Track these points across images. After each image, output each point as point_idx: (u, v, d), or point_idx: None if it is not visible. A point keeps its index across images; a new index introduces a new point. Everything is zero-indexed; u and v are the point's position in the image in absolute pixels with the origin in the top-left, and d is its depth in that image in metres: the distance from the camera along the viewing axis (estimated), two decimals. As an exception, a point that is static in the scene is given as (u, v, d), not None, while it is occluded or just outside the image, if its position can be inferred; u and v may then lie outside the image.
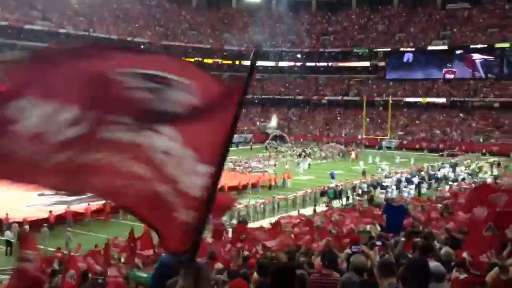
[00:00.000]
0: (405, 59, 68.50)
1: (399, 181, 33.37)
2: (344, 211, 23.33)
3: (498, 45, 61.78)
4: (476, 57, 63.26)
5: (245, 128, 65.40)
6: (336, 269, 6.38)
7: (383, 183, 32.65)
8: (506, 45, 61.23)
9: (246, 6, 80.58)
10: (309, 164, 42.99)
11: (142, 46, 68.39)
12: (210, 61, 73.33)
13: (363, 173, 37.43)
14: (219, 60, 74.06)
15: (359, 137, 59.65)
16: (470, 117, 60.69)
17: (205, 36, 74.42)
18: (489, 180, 33.19)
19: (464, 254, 6.91)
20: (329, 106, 71.94)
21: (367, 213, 20.57)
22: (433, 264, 4.30)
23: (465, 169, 39.56)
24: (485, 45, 62.78)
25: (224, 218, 23.60)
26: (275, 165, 42.65)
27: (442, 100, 63.65)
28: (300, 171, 39.59)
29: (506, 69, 61.56)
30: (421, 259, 4.17)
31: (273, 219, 23.30)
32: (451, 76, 65.36)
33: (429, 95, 64.84)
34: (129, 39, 66.61)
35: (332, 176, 35.66)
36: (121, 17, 69.10)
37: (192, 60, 71.33)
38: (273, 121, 60.16)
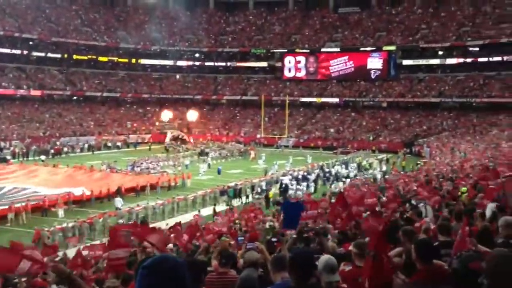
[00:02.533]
0: (301, 60, 70.52)
1: (296, 179, 34.37)
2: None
3: (385, 47, 65.61)
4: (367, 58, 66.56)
5: (143, 128, 64.11)
6: (235, 267, 6.43)
7: (282, 181, 33.44)
8: (393, 48, 65.21)
9: (142, 3, 78.92)
10: (209, 164, 43.05)
11: (30, 43, 64.81)
12: (105, 59, 70.88)
13: (265, 171, 38.20)
14: (115, 59, 71.72)
15: (258, 136, 60.59)
16: (361, 116, 63.87)
17: (100, 34, 71.78)
18: (378, 176, 35.26)
19: (350, 247, 7.26)
20: (228, 106, 72.46)
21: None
22: (325, 257, 4.43)
23: (357, 166, 41.57)
24: (374, 48, 66.43)
25: (122, 221, 23.14)
26: (174, 165, 42.23)
27: (336, 100, 66.41)
28: (201, 170, 39.51)
29: (393, 70, 65.49)
30: (305, 251, 4.31)
31: (173, 220, 23.10)
32: (344, 77, 68.28)
33: (323, 95, 67.39)
34: (16, 35, 62.67)
35: (219, 172, 38.21)
36: (7, 11, 64.70)
37: (86, 58, 68.89)
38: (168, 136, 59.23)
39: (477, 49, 60.51)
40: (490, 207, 8.06)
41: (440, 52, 63.59)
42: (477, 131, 51.12)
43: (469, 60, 60.77)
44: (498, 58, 58.19)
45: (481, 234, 5.34)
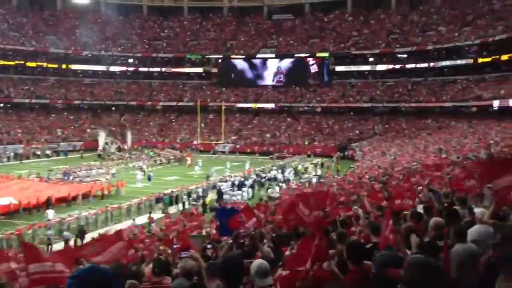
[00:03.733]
0: (237, 66, 70.84)
1: (233, 185, 34.41)
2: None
3: (319, 54, 67.07)
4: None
5: (74, 135, 62.14)
6: (170, 275, 6.35)
7: (220, 187, 33.38)
8: (325, 54, 66.77)
9: (73, 7, 76.58)
10: (145, 171, 42.28)
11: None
12: (33, 64, 68.22)
13: (207, 177, 38.07)
14: (44, 64, 69.18)
15: (195, 142, 60.20)
16: (296, 121, 64.89)
17: (28, 38, 69.02)
18: (314, 180, 35.92)
19: (287, 252, 7.34)
20: (164, 112, 71.59)
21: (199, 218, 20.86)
22: (258, 261, 4.44)
23: (293, 170, 42.14)
24: (308, 54, 67.74)
25: (51, 232, 22.29)
26: (107, 173, 41.18)
27: (271, 105, 67.14)
28: (138, 178, 38.75)
29: (326, 76, 67.03)
30: (235, 257, 4.31)
31: (106, 230, 22.49)
32: (280, 83, 69.17)
33: (259, 101, 67.96)
34: None
35: (149, 179, 38.00)
36: None
37: (13, 63, 66.05)
38: (101, 141, 57.77)
39: (405, 56, 63.06)
40: (418, 209, 8.37)
41: (371, 59, 65.80)
42: (406, 135, 53.14)
43: (397, 66, 63.22)
44: (425, 65, 60.85)
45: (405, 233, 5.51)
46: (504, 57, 51.58)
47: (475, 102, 52.19)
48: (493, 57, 53.34)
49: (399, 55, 63.63)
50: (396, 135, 53.90)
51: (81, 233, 22.79)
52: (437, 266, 2.88)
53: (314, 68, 67.03)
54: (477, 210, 6.27)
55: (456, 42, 57.61)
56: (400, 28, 66.24)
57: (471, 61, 56.35)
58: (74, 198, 31.00)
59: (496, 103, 47.29)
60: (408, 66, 62.32)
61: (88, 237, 21.46)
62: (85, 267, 2.25)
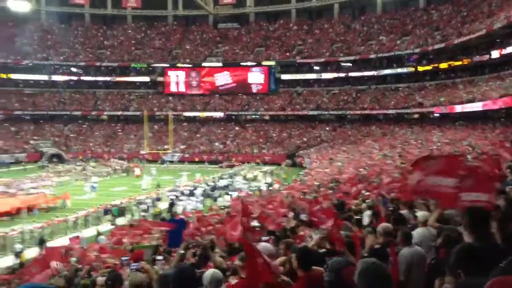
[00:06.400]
0: (182, 75, 70.46)
1: (182, 194, 34.12)
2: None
3: (264, 62, 67.68)
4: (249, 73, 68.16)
5: (16, 147, 59.95)
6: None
7: (168, 197, 33.01)
8: (271, 63, 67.45)
9: (11, 15, 73.85)
10: (95, 182, 40.98)
11: None
12: (-30, 74, 65.49)
13: (158, 186, 37.56)
14: (-18, 73, 66.54)
15: (142, 152, 59.33)
16: (245, 129, 65.12)
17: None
18: (263, 188, 36.09)
19: (236, 262, 7.36)
20: (109, 122, 70.21)
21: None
22: (210, 271, 4.46)
23: (242, 179, 42.20)
24: (254, 63, 68.23)
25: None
26: (52, 185, 39.92)
27: (220, 114, 67.12)
28: (87, 189, 37.78)
29: (273, 85, 67.68)
30: (188, 267, 4.33)
31: (52, 243, 21.90)
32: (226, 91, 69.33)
33: (206, 109, 67.80)
34: None
35: (93, 189, 37.60)
36: None
37: None
38: (44, 152, 56.30)
39: (349, 64, 64.57)
40: (366, 214, 8.59)
41: (316, 67, 67.01)
42: (352, 141, 54.32)
43: (342, 74, 64.67)
44: (368, 73, 62.52)
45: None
46: (443, 65, 53.70)
47: (417, 109, 54.01)
48: (432, 65, 55.43)
49: (343, 64, 65.10)
50: (342, 142, 55.00)
51: (41, 242, 22.29)
52: (386, 269, 2.99)
53: (259, 77, 67.56)
54: (419, 213, 6.50)
55: (396, 51, 59.54)
56: (343, 37, 67.78)
57: (411, 69, 58.33)
58: (18, 211, 29.91)
59: (437, 110, 49.16)
60: (352, 74, 63.84)
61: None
62: (24, 285, 2.22)
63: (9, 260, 20.61)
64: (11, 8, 69.62)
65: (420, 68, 57.41)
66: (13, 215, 29.48)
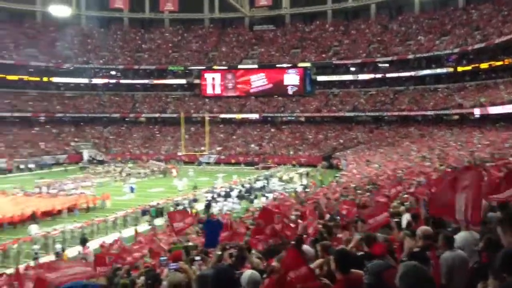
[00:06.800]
0: (218, 78, 70.96)
1: (218, 195, 34.35)
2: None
3: (300, 64, 67.51)
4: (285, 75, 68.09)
5: (58, 148, 61.59)
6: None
7: (206, 198, 33.28)
8: (307, 64, 67.21)
9: (53, 20, 76.00)
10: (133, 183, 41.61)
11: None
12: (15, 77, 67.43)
13: (195, 187, 37.93)
14: (25, 77, 68.55)
15: (179, 154, 60.01)
16: (280, 131, 65.08)
17: (8, 51, 68.36)
18: (299, 189, 35.95)
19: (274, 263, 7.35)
20: (147, 124, 71.35)
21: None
22: (248, 272, 4.47)
23: (278, 180, 42.17)
24: (290, 64, 68.13)
25: (37, 246, 22.09)
26: (92, 186, 40.83)
27: (255, 116, 67.30)
28: (126, 190, 38.53)
29: (309, 86, 67.42)
30: (226, 268, 4.35)
31: (93, 243, 22.43)
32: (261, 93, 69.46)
33: (242, 111, 68.09)
34: None
35: (132, 190, 37.85)
36: None
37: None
38: (84, 154, 57.72)
39: (386, 65, 63.76)
40: (405, 217, 8.46)
41: (352, 68, 66.44)
42: (389, 143, 53.57)
43: (379, 75, 63.89)
44: (406, 74, 61.59)
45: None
46: (483, 65, 52.47)
47: (456, 110, 52.91)
48: (472, 65, 54.23)
49: (380, 65, 64.33)
50: (379, 144, 54.31)
51: (83, 241, 22.83)
52: (428, 272, 2.94)
53: (295, 78, 67.41)
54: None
55: (435, 51, 58.50)
56: (380, 38, 67.03)
57: (451, 69, 57.21)
58: (59, 211, 30.71)
59: (477, 111, 47.97)
60: (390, 75, 63.01)
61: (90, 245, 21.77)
62: (68, 284, 2.24)
63: (50, 259, 21.10)
64: (52, 13, 71.70)
65: (459, 69, 56.24)
66: (54, 215, 30.27)
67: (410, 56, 60.79)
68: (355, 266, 4.44)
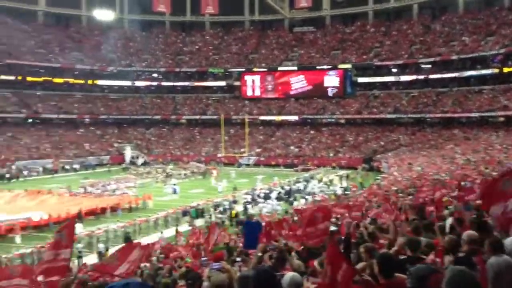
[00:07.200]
0: (257, 80, 71.13)
1: (258, 197, 34.45)
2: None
3: (340, 66, 66.96)
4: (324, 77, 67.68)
5: (102, 150, 63.08)
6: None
7: (244, 199, 33.43)
8: (348, 66, 66.61)
9: (97, 24, 78.08)
10: (175, 184, 42.18)
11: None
12: (60, 80, 69.54)
13: (235, 188, 38.22)
14: (70, 80, 70.54)
15: (219, 155, 60.45)
16: (320, 133, 64.68)
17: (54, 55, 70.49)
18: (339, 192, 35.72)
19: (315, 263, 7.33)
20: (188, 126, 72.18)
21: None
22: (290, 274, 4.48)
23: (318, 183, 41.97)
24: (330, 66, 67.66)
25: (81, 245, 22.65)
26: (134, 187, 41.63)
27: (294, 117, 67.15)
28: (168, 191, 39.16)
29: (349, 88, 66.78)
30: (268, 269, 4.35)
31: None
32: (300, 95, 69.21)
33: (282, 113, 68.04)
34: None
35: (175, 192, 38.55)
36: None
37: (41, 79, 67.38)
38: (127, 155, 58.84)
39: (429, 66, 62.53)
40: (448, 221, 8.29)
41: (394, 70, 65.44)
42: (432, 146, 52.47)
43: (421, 77, 62.70)
44: (449, 75, 60.24)
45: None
46: (530, 66, 50.87)
47: (502, 112, 51.43)
48: (519, 66, 52.65)
49: (423, 66, 63.14)
50: (422, 146, 53.27)
51: (127, 240, 23.31)
52: (475, 278, 2.89)
53: (335, 80, 66.90)
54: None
55: (480, 51, 57.03)
56: (423, 38, 65.81)
57: (496, 70, 55.61)
58: (103, 211, 31.43)
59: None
60: (432, 76, 61.74)
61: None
62: (120, 282, 2.29)
63: (94, 258, 21.64)
64: (97, 17, 73.57)
65: (505, 69, 54.57)
66: (98, 214, 31.00)
67: (454, 57, 59.43)
68: (398, 270, 4.39)
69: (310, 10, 74.53)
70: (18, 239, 25.13)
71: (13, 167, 51.54)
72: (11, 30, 69.34)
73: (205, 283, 6.66)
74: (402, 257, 5.56)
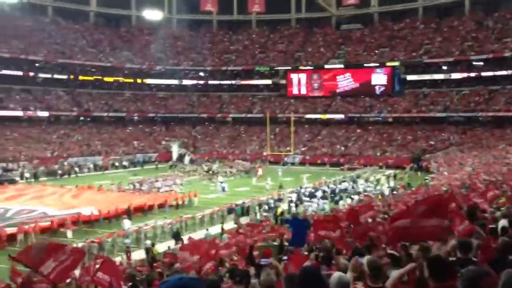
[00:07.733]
0: (303, 78, 70.83)
1: (303, 195, 34.33)
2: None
3: (389, 63, 65.81)
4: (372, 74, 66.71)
5: (150, 147, 64.37)
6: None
7: (289, 198, 33.39)
8: (396, 63, 65.39)
9: (146, 24, 79.70)
10: (222, 182, 42.50)
11: (36, 64, 65.37)
12: (111, 79, 71.41)
13: (280, 187, 38.27)
14: (120, 79, 72.30)
15: (264, 153, 60.55)
16: (367, 132, 63.77)
17: (105, 54, 72.44)
18: (386, 192, 35.16)
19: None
20: (234, 124, 72.64)
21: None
22: (338, 274, 4.45)
23: (365, 182, 41.41)
24: (377, 64, 66.60)
25: (129, 240, 23.20)
26: (181, 184, 42.23)
27: (341, 116, 66.49)
28: (219, 189, 39.66)
29: (397, 86, 65.54)
30: (315, 269, 4.33)
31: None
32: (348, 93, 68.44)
33: (328, 111, 67.50)
34: (22, 57, 63.23)
35: (223, 190, 38.85)
36: (12, 34, 64.96)
37: (92, 78, 69.38)
38: (174, 152, 59.84)
39: (481, 63, 60.65)
40: (501, 223, 8.05)
41: (444, 67, 63.79)
42: (484, 145, 50.87)
43: (473, 74, 60.90)
44: (502, 72, 58.26)
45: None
46: None
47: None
48: None
49: (475, 63, 61.27)
50: (473, 146, 51.73)
51: (176, 236, 23.77)
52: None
53: (383, 78, 65.82)
54: None
55: (536, 48, 54.86)
56: (475, 35, 63.86)
57: (553, 67, 53.39)
58: (150, 207, 32.06)
59: None
60: (485, 74, 59.84)
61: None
62: (173, 276, 2.32)
63: (142, 254, 22.08)
64: (146, 17, 74.93)
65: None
66: (146, 211, 31.63)
67: (508, 54, 57.38)
68: (449, 273, 4.26)
69: (358, 7, 73.60)
70: (69, 233, 25.93)
71: (65, 163, 53.22)
72: (64, 31, 71.82)
73: (253, 280, 6.72)
74: (452, 259, 5.44)
